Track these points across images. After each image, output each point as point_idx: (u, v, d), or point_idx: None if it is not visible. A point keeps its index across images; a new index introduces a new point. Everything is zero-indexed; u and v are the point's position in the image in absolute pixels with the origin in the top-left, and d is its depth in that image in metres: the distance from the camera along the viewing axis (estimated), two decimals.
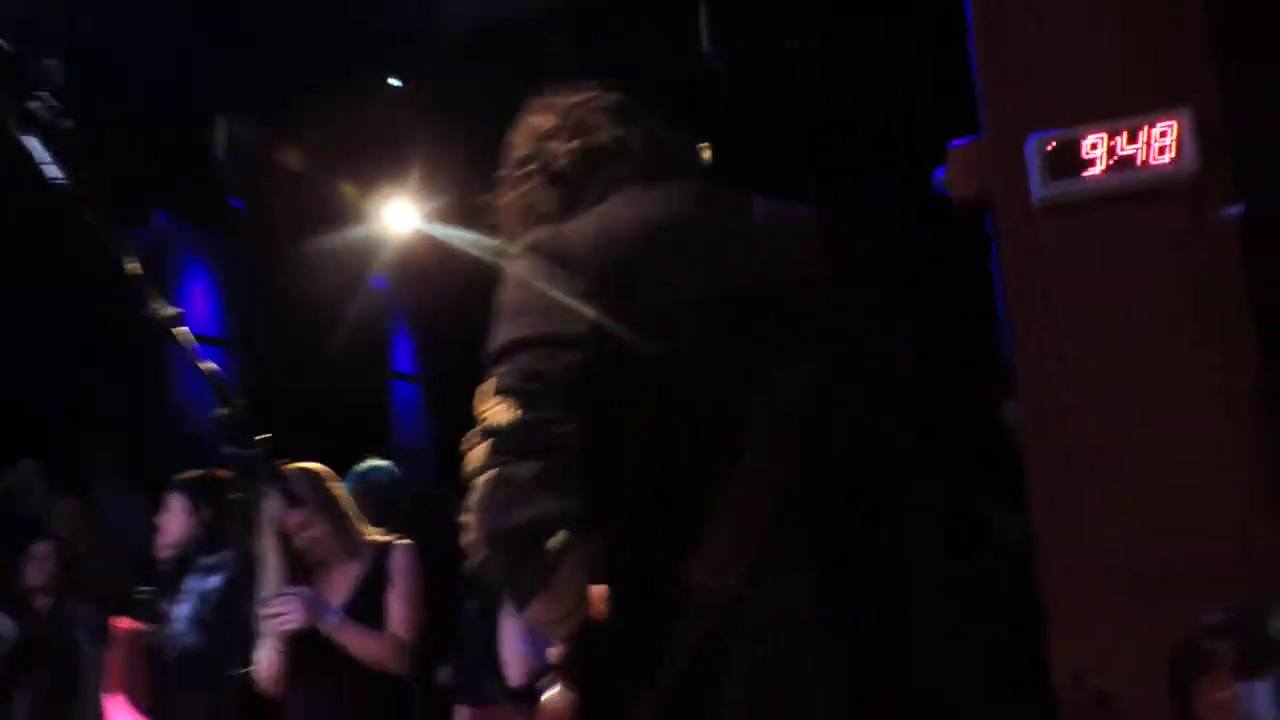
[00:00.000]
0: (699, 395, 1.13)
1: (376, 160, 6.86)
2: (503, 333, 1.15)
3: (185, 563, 3.02)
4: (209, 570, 2.96)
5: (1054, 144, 2.00)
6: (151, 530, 3.79)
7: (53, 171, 1.25)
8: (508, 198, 1.40)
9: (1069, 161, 1.98)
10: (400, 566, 2.40)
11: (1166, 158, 1.90)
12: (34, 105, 1.23)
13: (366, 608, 2.33)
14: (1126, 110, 1.95)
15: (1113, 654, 1.94)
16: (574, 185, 1.30)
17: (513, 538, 1.05)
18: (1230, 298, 1.90)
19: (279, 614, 2.21)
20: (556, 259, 1.15)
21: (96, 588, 5.14)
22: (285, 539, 2.33)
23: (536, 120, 1.37)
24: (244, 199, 7.32)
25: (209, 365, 1.52)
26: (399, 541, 2.47)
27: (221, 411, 1.52)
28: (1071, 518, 2.02)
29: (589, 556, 1.07)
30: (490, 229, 1.51)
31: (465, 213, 7.97)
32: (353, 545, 2.41)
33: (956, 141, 2.23)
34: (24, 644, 3.56)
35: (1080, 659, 1.96)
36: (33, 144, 1.23)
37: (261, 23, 5.28)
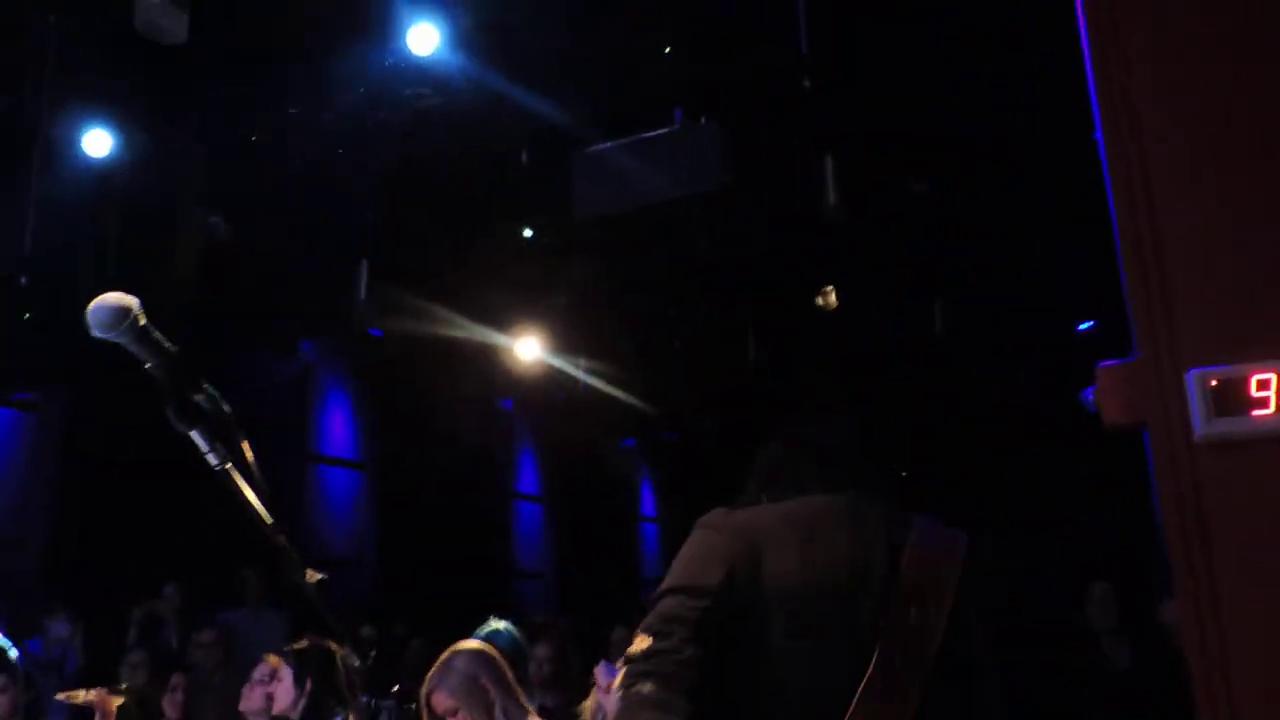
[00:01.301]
0: (785, 656, 1.46)
1: (508, 296, 7.12)
2: (668, 578, 1.53)
3: None
4: None
5: (1216, 380, 1.88)
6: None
7: (214, 459, 1.30)
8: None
9: (1233, 399, 1.86)
10: None
11: None
12: (198, 398, 1.29)
13: None
14: None
15: None
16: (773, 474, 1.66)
17: None
18: None
19: None
20: (717, 529, 1.54)
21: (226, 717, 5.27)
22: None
23: None
24: (383, 330, 7.66)
25: (343, 622, 1.53)
26: None
27: (354, 662, 1.54)
28: None
29: None
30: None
31: (588, 348, 8.17)
32: None
33: (1107, 362, 2.13)
34: None
35: None
36: (196, 437, 1.29)
37: (411, 173, 5.61)
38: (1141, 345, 2.03)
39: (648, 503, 12.80)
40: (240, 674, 5.77)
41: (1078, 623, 4.30)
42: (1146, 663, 3.74)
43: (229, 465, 1.31)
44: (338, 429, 8.48)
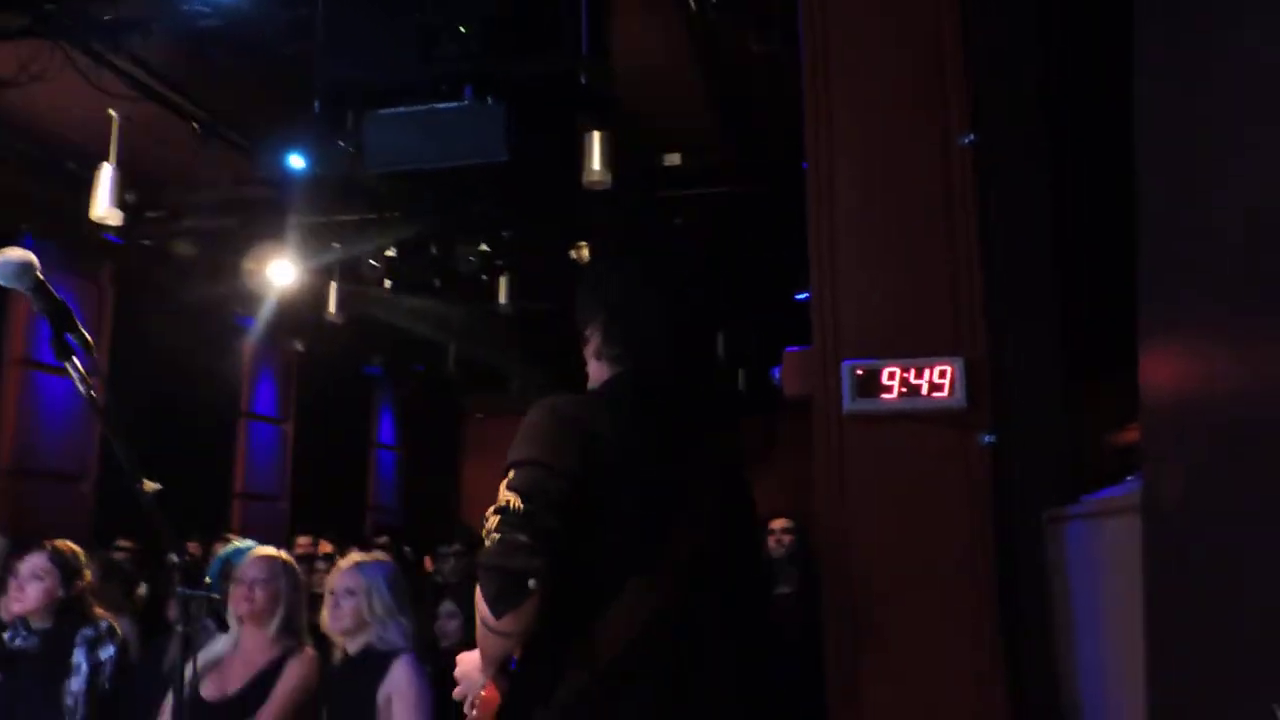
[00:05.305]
0: (624, 516, 1.76)
1: (265, 215, 7.04)
2: (524, 449, 1.77)
3: (60, 634, 3.14)
4: (94, 643, 3.12)
5: (861, 370, 2.54)
6: None
7: (81, 389, 1.57)
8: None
9: (871, 385, 2.52)
10: (291, 672, 2.71)
11: (944, 393, 2.47)
12: (71, 337, 1.55)
13: (255, 697, 2.64)
14: (917, 352, 2.51)
15: None
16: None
17: (508, 575, 1.65)
18: (978, 504, 2.47)
19: None
20: (563, 418, 1.82)
21: None
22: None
23: None
24: (124, 238, 7.32)
25: (167, 523, 1.81)
26: (305, 650, 2.78)
27: (174, 559, 1.82)
28: (850, 671, 2.52)
29: (542, 600, 1.66)
30: None
31: (346, 272, 8.21)
32: (272, 640, 2.72)
33: (792, 348, 2.76)
34: None
35: None
36: (70, 368, 1.55)
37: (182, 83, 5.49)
38: (815, 340, 2.67)
39: (386, 430, 12.91)
40: None
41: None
42: (811, 584, 4.61)
43: (91, 392, 1.57)
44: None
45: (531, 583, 1.64)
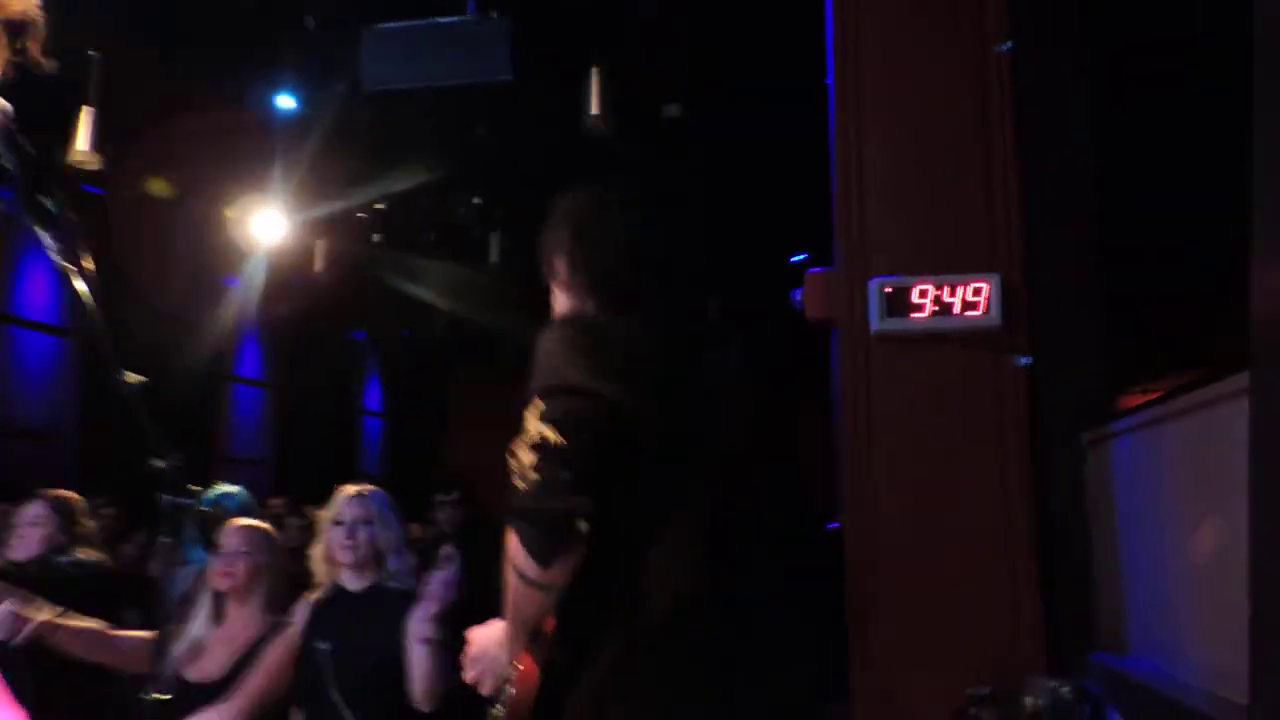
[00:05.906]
0: (664, 444, 1.57)
1: (249, 168, 6.84)
2: (555, 373, 1.55)
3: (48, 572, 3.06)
4: None
5: (890, 288, 2.41)
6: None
7: (56, 259, 1.41)
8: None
9: (901, 303, 2.39)
10: (272, 653, 2.52)
11: (978, 311, 2.34)
12: (47, 201, 1.39)
13: (238, 679, 2.47)
14: (950, 269, 2.38)
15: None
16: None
17: (553, 519, 1.46)
18: (1012, 428, 2.35)
19: None
20: (591, 332, 1.62)
21: None
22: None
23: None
24: (104, 189, 7.10)
25: (152, 421, 1.66)
26: (289, 629, 2.59)
27: (158, 464, 1.67)
28: (877, 602, 2.40)
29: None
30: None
31: (330, 228, 8.01)
32: (256, 616, 2.55)
33: (814, 269, 2.62)
34: None
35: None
36: (44, 236, 1.39)
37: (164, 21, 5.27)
38: (840, 259, 2.53)
39: (374, 397, 12.74)
40: None
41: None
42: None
43: (67, 264, 1.42)
44: (39, 291, 7.77)
45: (583, 524, 1.46)
